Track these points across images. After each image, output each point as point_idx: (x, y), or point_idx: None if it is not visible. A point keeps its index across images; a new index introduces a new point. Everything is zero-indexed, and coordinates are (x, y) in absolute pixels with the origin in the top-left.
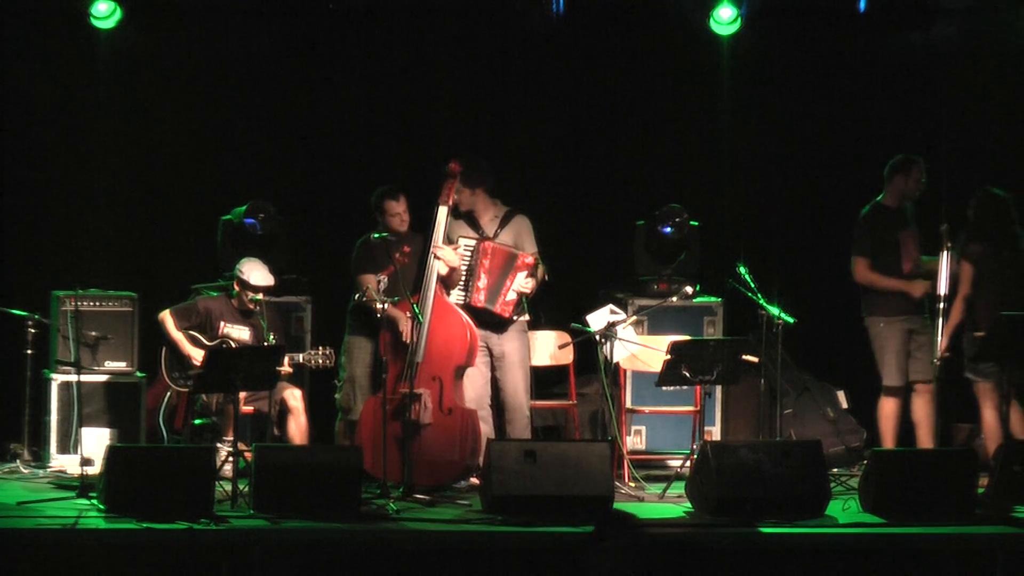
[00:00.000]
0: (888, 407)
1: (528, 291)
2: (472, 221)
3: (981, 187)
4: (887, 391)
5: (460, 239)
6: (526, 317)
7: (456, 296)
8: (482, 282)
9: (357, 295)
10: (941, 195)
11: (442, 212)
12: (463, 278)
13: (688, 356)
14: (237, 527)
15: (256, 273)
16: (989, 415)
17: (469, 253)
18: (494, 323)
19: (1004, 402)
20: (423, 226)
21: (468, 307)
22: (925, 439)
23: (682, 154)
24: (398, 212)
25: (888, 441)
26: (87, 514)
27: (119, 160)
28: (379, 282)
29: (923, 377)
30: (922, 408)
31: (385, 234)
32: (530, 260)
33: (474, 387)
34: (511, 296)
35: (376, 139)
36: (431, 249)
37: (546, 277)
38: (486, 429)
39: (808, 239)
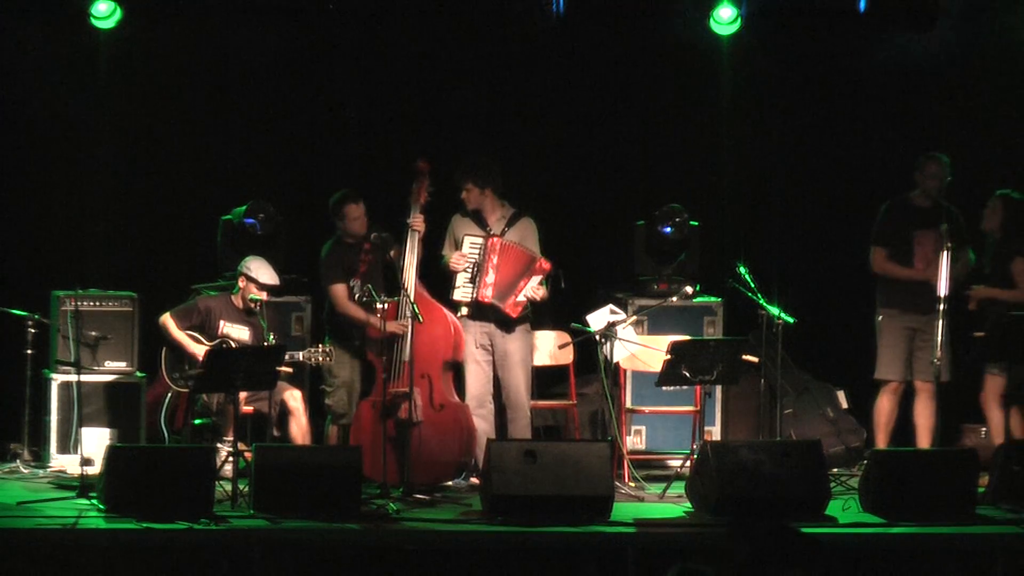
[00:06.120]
0: (881, 402)
1: (539, 298)
2: (479, 220)
3: (1002, 193)
4: (881, 385)
5: (466, 237)
6: (528, 318)
7: (461, 293)
8: (490, 278)
9: (358, 295)
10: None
11: (414, 212)
12: (469, 273)
13: (688, 356)
14: (237, 527)
15: (263, 272)
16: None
17: (476, 249)
18: (499, 320)
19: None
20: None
21: (475, 303)
22: (925, 439)
23: (682, 154)
24: (358, 216)
25: (880, 437)
26: (87, 514)
27: (119, 160)
28: (351, 287)
29: (924, 377)
30: (922, 408)
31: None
32: (547, 266)
33: (476, 384)
34: (522, 298)
35: (375, 139)
36: (409, 223)
37: (562, 284)
38: (486, 427)
39: (808, 239)
